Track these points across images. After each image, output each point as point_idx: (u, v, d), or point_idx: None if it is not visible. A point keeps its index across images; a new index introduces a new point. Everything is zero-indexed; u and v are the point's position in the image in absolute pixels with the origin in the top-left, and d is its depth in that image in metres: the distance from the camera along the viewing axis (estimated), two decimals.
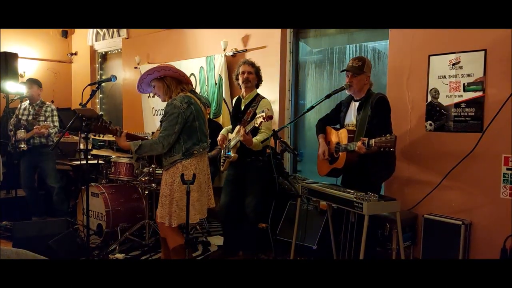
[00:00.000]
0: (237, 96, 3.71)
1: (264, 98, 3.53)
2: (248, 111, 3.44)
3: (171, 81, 2.80)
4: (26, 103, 4.77)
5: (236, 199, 3.69)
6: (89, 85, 3.24)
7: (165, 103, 2.83)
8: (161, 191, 2.87)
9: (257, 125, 3.01)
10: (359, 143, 2.73)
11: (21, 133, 4.50)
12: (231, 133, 3.67)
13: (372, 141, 2.65)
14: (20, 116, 4.68)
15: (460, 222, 3.07)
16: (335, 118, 3.28)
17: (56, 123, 4.70)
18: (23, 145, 4.52)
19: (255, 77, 3.53)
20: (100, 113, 6.09)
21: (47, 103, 4.79)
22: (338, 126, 3.26)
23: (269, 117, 2.91)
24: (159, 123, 2.84)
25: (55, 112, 4.74)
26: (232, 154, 3.44)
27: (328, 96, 3.08)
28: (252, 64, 3.54)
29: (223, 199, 3.65)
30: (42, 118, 4.64)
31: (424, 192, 3.35)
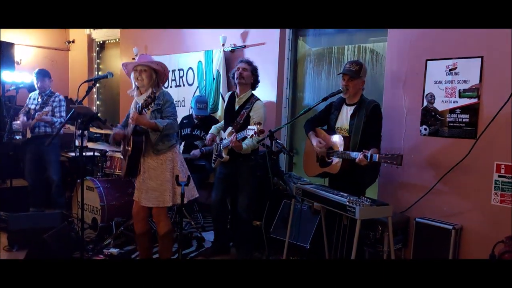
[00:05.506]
0: (231, 92, 3.68)
1: (258, 100, 3.51)
2: (242, 113, 3.44)
3: (158, 80, 3.04)
4: (35, 93, 4.75)
5: (227, 196, 3.72)
6: (85, 81, 3.23)
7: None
8: (155, 179, 2.92)
9: (248, 136, 3.04)
10: (361, 157, 2.71)
11: (16, 124, 4.50)
12: (222, 130, 3.67)
13: (377, 157, 2.66)
14: (29, 106, 4.68)
15: (450, 227, 3.11)
16: (324, 119, 3.27)
17: (63, 113, 4.68)
18: (26, 135, 4.49)
19: (250, 74, 3.50)
20: (96, 111, 6.09)
21: (56, 93, 4.78)
22: (325, 127, 3.27)
23: (261, 132, 2.96)
24: (148, 112, 2.94)
25: (62, 103, 4.74)
26: (224, 155, 3.45)
27: (325, 99, 3.10)
28: (248, 62, 3.53)
29: (215, 196, 3.67)
30: (48, 108, 4.63)
31: (417, 196, 3.38)
